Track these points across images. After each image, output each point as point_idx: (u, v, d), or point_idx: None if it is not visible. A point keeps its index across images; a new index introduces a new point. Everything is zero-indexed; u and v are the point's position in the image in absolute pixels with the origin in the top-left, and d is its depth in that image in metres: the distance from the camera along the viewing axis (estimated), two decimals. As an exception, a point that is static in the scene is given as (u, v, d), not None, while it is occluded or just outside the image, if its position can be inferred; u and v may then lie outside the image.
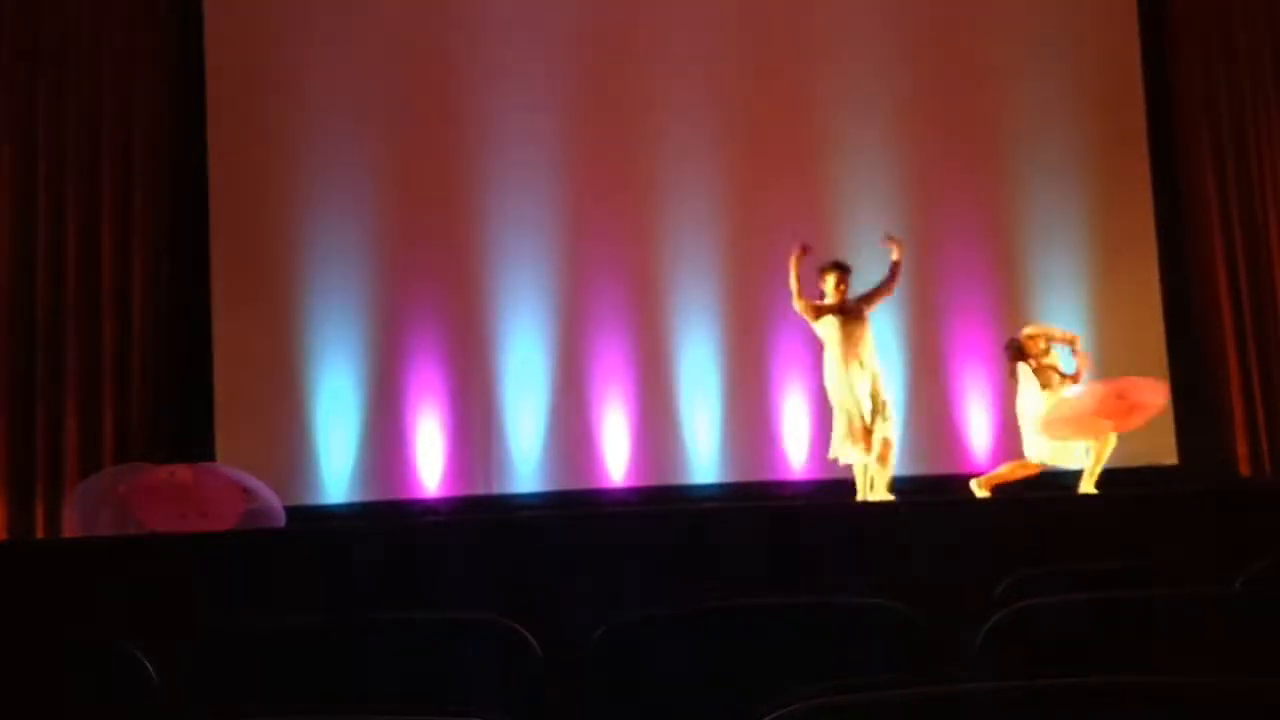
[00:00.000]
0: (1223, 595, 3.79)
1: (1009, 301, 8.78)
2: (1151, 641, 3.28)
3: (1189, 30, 8.81)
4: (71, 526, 6.97)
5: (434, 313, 8.94)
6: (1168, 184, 9.01)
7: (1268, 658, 3.34)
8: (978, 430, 8.85)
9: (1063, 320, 8.24)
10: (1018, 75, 8.98)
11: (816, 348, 7.98)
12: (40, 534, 8.04)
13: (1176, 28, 8.82)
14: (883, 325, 8.64)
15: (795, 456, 8.84)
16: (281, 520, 7.25)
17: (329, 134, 9.00)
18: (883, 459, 7.36)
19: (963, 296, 8.81)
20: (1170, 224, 8.95)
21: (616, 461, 8.84)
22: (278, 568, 5.69)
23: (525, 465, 8.85)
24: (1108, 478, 7.56)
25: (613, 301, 8.93)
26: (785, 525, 5.95)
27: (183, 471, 7.20)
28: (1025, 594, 3.67)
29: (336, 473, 8.81)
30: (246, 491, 7.17)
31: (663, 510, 7.74)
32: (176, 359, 8.81)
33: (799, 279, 7.52)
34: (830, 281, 7.51)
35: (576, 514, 7.69)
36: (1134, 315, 8.63)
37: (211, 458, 8.40)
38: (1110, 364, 8.10)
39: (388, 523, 8.06)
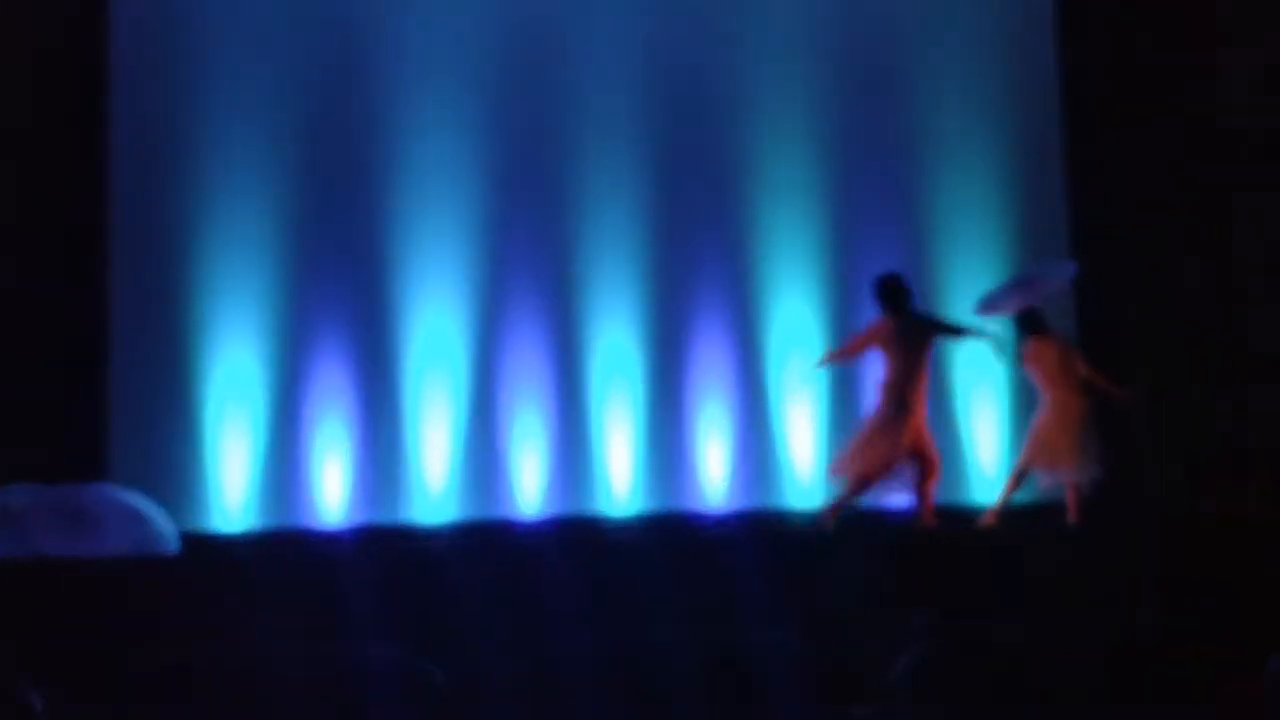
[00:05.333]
0: (1132, 627, 3.80)
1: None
2: (1057, 674, 3.27)
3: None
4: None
5: (340, 333, 8.74)
6: (1083, 218, 9.11)
7: (1179, 687, 3.35)
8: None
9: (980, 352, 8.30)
10: (940, 107, 9.06)
11: (738, 375, 8.02)
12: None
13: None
14: (797, 348, 8.70)
15: (715, 485, 8.79)
16: (174, 546, 7.05)
17: (234, 137, 8.74)
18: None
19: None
20: (1084, 249, 9.03)
21: (530, 489, 8.70)
22: (172, 595, 5.53)
23: (433, 492, 8.68)
24: (1026, 510, 7.60)
25: (528, 322, 8.81)
26: (701, 557, 5.91)
27: (75, 493, 6.98)
28: (940, 628, 3.65)
29: (234, 497, 8.57)
30: (137, 515, 6.97)
31: (577, 541, 7.63)
32: (71, 377, 8.52)
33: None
34: None
35: (488, 544, 7.57)
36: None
37: (105, 479, 8.12)
38: (1025, 391, 8.16)
39: (289, 551, 7.85)
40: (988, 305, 7.85)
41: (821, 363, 8.03)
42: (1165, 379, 8.45)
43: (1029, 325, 7.79)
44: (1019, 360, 7.91)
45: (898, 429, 7.28)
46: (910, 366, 7.34)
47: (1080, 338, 8.52)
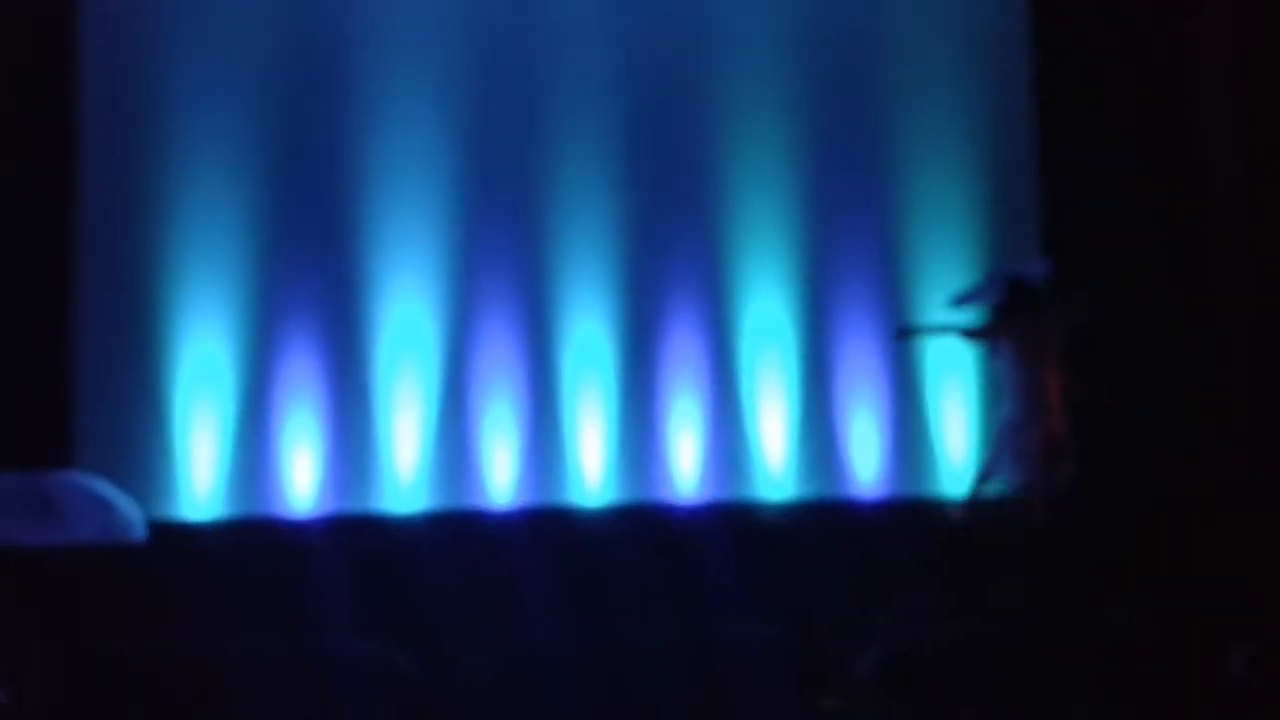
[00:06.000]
0: (1103, 628, 3.82)
1: (901, 320, 8.87)
2: (1026, 668, 3.28)
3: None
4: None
5: (311, 320, 8.68)
6: (1056, 218, 9.18)
7: (1146, 690, 3.37)
8: (865, 448, 8.88)
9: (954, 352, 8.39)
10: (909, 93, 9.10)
11: (711, 367, 8.04)
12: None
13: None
14: (768, 342, 8.74)
15: (687, 476, 8.80)
16: (141, 533, 7.01)
17: (204, 125, 8.64)
18: None
19: (854, 311, 8.86)
20: (1057, 248, 9.09)
21: (501, 479, 8.69)
22: (137, 586, 5.49)
23: (404, 481, 8.66)
24: (995, 504, 7.64)
25: (500, 312, 8.79)
26: (672, 548, 5.92)
27: (40, 480, 6.94)
28: (910, 622, 3.66)
29: (202, 485, 8.52)
30: (103, 502, 6.93)
31: (549, 531, 7.64)
32: (35, 360, 8.45)
33: None
34: None
35: (459, 534, 7.56)
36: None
37: (71, 466, 8.06)
38: (995, 383, 8.21)
39: (257, 539, 7.82)
40: (962, 301, 7.97)
41: (920, 332, 8.05)
42: (1137, 376, 8.53)
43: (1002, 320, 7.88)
44: (990, 353, 7.99)
45: (1033, 428, 7.40)
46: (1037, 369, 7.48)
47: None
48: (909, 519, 7.62)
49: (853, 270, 8.82)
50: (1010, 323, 7.58)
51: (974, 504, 7.69)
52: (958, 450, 8.69)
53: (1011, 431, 7.68)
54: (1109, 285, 8.63)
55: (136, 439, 8.39)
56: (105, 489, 7.14)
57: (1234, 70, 8.62)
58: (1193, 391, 8.34)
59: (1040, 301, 7.59)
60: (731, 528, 7.52)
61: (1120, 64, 8.74)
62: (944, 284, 8.47)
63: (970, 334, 7.86)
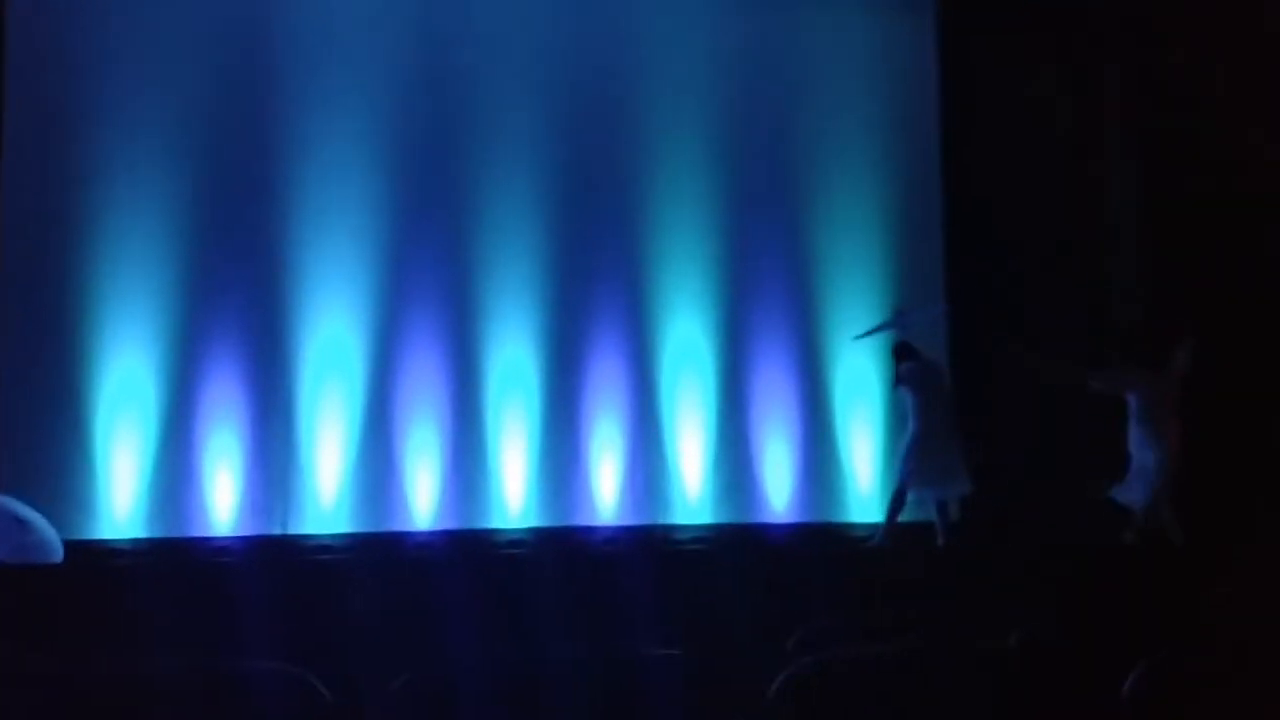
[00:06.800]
0: (999, 651, 3.93)
1: (812, 354, 9.03)
2: (932, 692, 3.37)
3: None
4: None
5: (234, 342, 8.67)
6: (957, 256, 9.40)
7: (1041, 712, 3.48)
8: (779, 475, 9.00)
9: (863, 383, 8.64)
10: (824, 137, 9.30)
11: (631, 394, 8.21)
12: None
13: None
14: (687, 372, 8.87)
15: (607, 501, 8.86)
16: (58, 555, 6.92)
17: (128, 145, 8.66)
18: None
19: (768, 342, 9.02)
20: (958, 289, 9.31)
21: (424, 503, 8.70)
22: (54, 607, 5.41)
23: (326, 504, 8.64)
24: (900, 529, 7.79)
25: (424, 336, 8.82)
26: (591, 571, 5.96)
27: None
28: (818, 645, 3.73)
29: (122, 506, 8.45)
30: (20, 522, 6.83)
31: (470, 555, 7.64)
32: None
33: None
34: None
35: (381, 557, 7.54)
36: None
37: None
38: (899, 412, 8.39)
39: (177, 561, 7.75)
40: (866, 334, 8.47)
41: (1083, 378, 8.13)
42: (1037, 417, 8.75)
43: (903, 352, 8.16)
44: (893, 383, 8.28)
45: (1160, 470, 7.63)
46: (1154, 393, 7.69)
47: (952, 368, 8.84)
48: (821, 543, 7.74)
49: (768, 303, 9.00)
50: (1137, 378, 7.78)
51: (884, 528, 7.84)
52: (867, 477, 8.90)
53: (915, 455, 7.91)
54: (1008, 325, 8.86)
55: (56, 459, 8.31)
56: (22, 509, 7.03)
57: (1139, 136, 8.94)
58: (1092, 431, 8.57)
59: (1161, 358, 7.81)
60: (649, 551, 7.59)
61: (1025, 120, 9.04)
62: (851, 319, 8.74)
63: (1091, 386, 7.97)
